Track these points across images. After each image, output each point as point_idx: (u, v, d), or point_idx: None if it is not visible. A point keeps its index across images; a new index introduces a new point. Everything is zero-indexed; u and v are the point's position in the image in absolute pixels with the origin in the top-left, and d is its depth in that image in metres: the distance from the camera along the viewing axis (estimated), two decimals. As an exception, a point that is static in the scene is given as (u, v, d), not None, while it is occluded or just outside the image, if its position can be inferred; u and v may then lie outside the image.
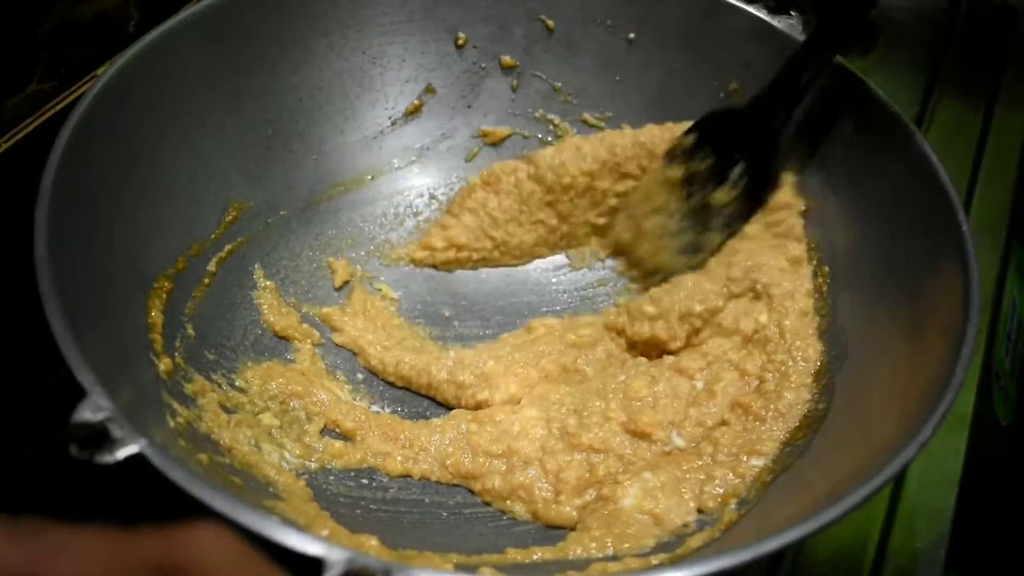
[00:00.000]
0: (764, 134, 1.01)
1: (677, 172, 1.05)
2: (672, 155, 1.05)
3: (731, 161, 1.02)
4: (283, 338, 1.03)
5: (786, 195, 1.03)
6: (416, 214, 1.18)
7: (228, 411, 0.91)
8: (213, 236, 1.02)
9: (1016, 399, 1.16)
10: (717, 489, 0.87)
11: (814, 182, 1.04)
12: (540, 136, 1.22)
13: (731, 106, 1.06)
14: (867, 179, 0.98)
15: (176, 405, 0.84)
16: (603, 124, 1.19)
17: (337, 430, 0.96)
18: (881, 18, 1.58)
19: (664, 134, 1.08)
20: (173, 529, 0.48)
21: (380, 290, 1.11)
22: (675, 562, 0.64)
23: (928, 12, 1.63)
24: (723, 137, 1.03)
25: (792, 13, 1.04)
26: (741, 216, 1.03)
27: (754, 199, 1.03)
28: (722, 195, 1.02)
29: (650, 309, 1.00)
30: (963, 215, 0.87)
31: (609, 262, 1.15)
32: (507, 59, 1.18)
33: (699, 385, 0.96)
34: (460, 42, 1.17)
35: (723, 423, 0.93)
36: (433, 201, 1.20)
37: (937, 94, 1.47)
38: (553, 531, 0.90)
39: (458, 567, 0.81)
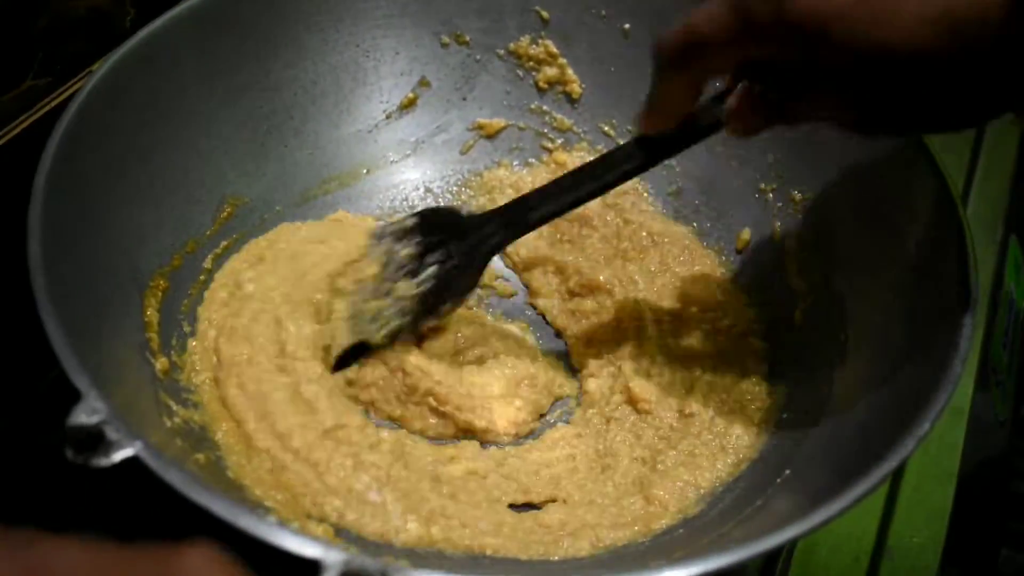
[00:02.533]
0: (472, 252, 0.99)
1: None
2: (382, 233, 1.00)
3: (429, 261, 0.98)
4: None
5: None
6: (412, 208, 1.18)
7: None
8: (208, 232, 1.02)
9: (1013, 394, 1.16)
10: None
11: (811, 175, 1.04)
12: (536, 128, 1.22)
13: (455, 209, 1.02)
14: (865, 174, 0.98)
15: (173, 404, 0.84)
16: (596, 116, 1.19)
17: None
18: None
19: None
20: (167, 548, 0.47)
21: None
22: (675, 561, 0.64)
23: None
24: (435, 234, 0.98)
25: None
26: (412, 316, 0.99)
27: (430, 306, 0.99)
28: (405, 288, 0.98)
29: None
30: (961, 210, 0.86)
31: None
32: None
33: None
34: (454, 34, 1.16)
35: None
36: (428, 194, 1.20)
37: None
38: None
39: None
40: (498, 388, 1.00)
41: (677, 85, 0.80)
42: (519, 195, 1.00)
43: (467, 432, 0.98)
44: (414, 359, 0.99)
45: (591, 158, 1.16)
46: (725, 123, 0.85)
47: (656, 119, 0.86)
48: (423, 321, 1.00)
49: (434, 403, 0.98)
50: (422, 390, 0.97)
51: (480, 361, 1.03)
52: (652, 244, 1.13)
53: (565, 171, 1.17)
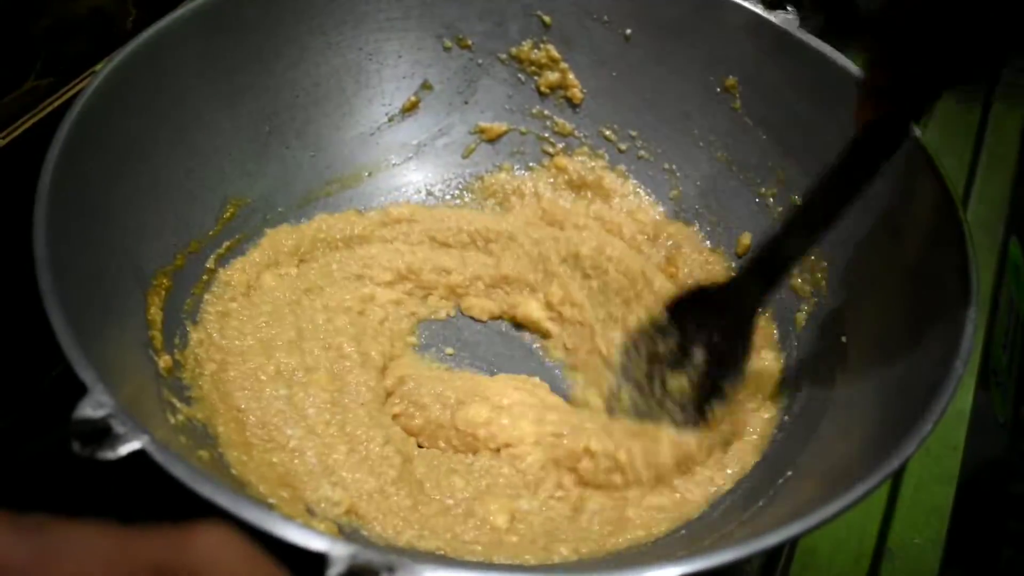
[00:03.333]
0: (740, 319, 0.96)
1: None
2: (636, 339, 1.00)
3: (694, 345, 0.96)
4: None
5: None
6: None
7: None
8: (211, 233, 1.02)
9: (1014, 396, 1.16)
10: None
11: (811, 179, 1.04)
12: (537, 132, 1.22)
13: (707, 285, 0.99)
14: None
15: (176, 402, 0.84)
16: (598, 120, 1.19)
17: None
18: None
19: None
20: (178, 529, 0.47)
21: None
22: (675, 559, 0.64)
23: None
24: (695, 317, 0.97)
25: (788, 8, 1.03)
26: (695, 408, 0.96)
27: (715, 388, 0.96)
28: (677, 382, 0.96)
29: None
30: (961, 211, 0.87)
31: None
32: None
33: None
34: (457, 38, 1.17)
35: None
36: (430, 197, 1.20)
37: (935, 91, 1.47)
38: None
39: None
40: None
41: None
42: (758, 248, 0.96)
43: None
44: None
45: (592, 163, 1.18)
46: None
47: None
48: (711, 407, 0.95)
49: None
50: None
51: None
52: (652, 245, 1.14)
53: (566, 175, 1.18)
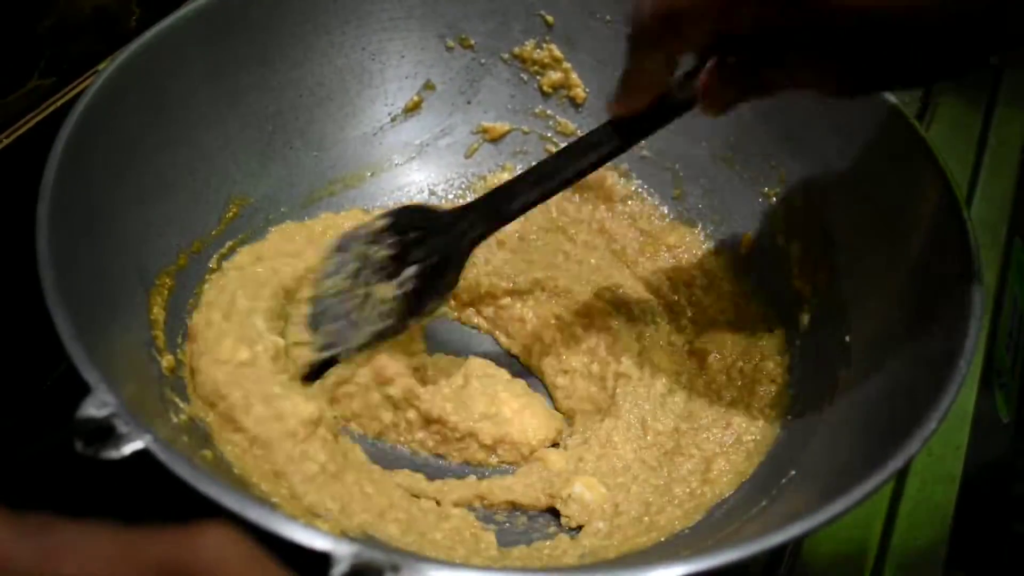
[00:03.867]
0: (453, 247, 0.97)
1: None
2: (351, 238, 0.99)
3: (408, 260, 0.96)
4: (285, 335, 1.03)
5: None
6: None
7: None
8: (214, 232, 1.02)
9: (1017, 396, 1.16)
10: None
11: (815, 179, 1.04)
12: (539, 132, 1.22)
13: (429, 206, 1.01)
14: (869, 176, 0.98)
15: (179, 401, 0.84)
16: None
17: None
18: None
19: None
20: (182, 529, 0.47)
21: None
22: (677, 559, 0.64)
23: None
24: (413, 232, 0.97)
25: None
26: (397, 317, 0.97)
27: (415, 306, 0.97)
28: (382, 291, 0.96)
29: None
30: (965, 212, 0.86)
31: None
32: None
33: None
34: (459, 38, 1.17)
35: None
36: (432, 196, 1.21)
37: (938, 91, 1.47)
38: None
39: None
40: (513, 403, 1.00)
41: (653, 61, 0.79)
42: (492, 191, 0.98)
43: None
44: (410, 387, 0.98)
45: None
46: (699, 100, 0.83)
47: (630, 99, 0.86)
48: (407, 324, 0.97)
49: (449, 433, 0.97)
50: (431, 417, 0.97)
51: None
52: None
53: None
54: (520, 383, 1.03)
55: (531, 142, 1.22)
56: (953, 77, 0.83)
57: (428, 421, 0.97)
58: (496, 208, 0.96)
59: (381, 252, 0.96)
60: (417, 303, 0.96)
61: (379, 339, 0.96)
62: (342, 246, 0.98)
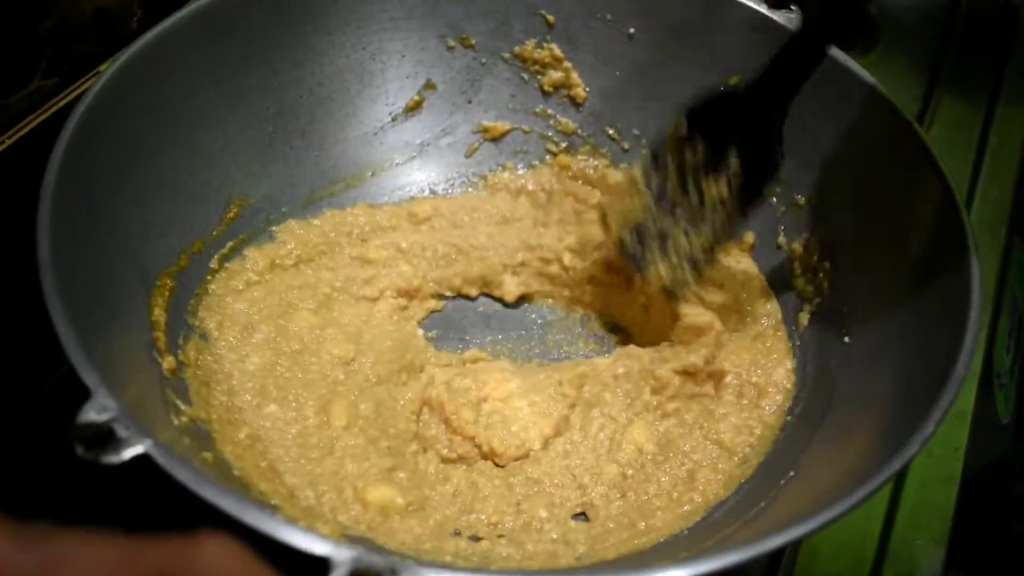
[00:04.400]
0: (762, 121, 0.96)
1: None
2: (658, 152, 0.99)
3: (725, 150, 0.97)
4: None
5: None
6: (416, 211, 1.18)
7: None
8: (215, 233, 1.02)
9: (1016, 397, 1.16)
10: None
11: (816, 178, 1.04)
12: (540, 131, 1.22)
13: (722, 91, 0.99)
14: (869, 176, 0.98)
15: (180, 403, 0.84)
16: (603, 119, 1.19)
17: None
18: (883, 16, 1.58)
19: None
20: (181, 539, 0.48)
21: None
22: (677, 561, 0.64)
23: (930, 10, 1.63)
24: (716, 125, 0.97)
25: (792, 7, 1.03)
26: (737, 214, 0.99)
27: (751, 193, 0.98)
28: (718, 188, 0.97)
29: None
30: (964, 213, 0.87)
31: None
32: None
33: None
34: (460, 38, 1.17)
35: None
36: (433, 195, 1.21)
37: (939, 92, 1.47)
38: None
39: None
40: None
41: None
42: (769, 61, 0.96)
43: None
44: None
45: (595, 161, 1.18)
46: None
47: None
48: (745, 218, 0.99)
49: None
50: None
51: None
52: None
53: (569, 174, 1.18)
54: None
55: (532, 141, 1.23)
56: None
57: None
58: (785, 74, 0.95)
59: (697, 153, 0.97)
60: (751, 194, 0.98)
61: (725, 239, 1.00)
62: (656, 164, 0.99)
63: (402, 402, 0.99)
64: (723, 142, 0.97)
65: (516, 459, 0.96)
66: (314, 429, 0.93)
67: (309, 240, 1.09)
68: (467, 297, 1.14)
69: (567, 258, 1.11)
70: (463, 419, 0.97)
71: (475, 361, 1.06)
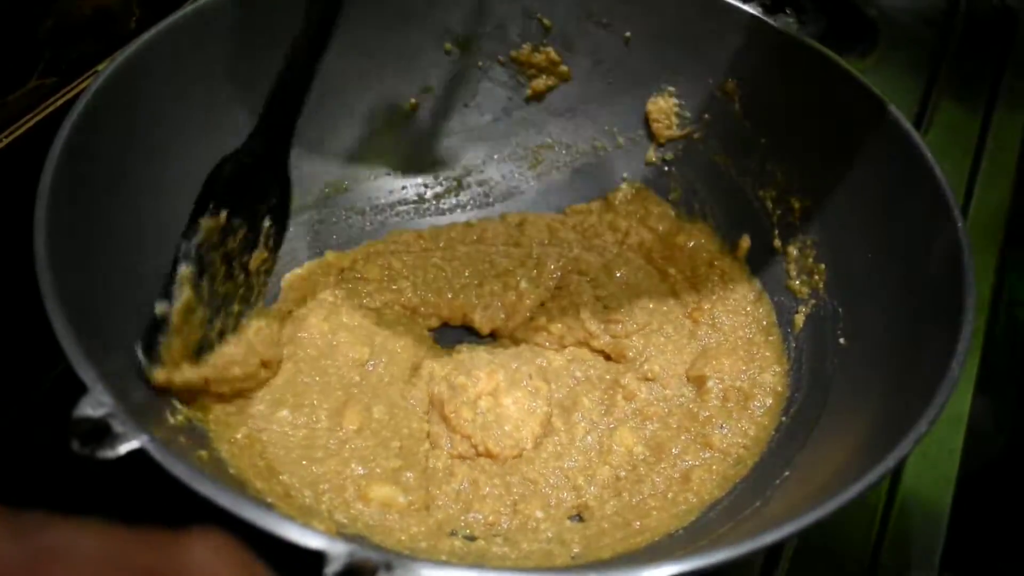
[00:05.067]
0: (281, 177, 1.00)
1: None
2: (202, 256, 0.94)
3: (259, 219, 0.98)
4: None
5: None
6: (412, 212, 1.20)
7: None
8: (211, 233, 1.02)
9: (1013, 400, 1.17)
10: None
11: (810, 183, 1.04)
12: (535, 135, 1.23)
13: (236, 161, 0.97)
14: (866, 179, 0.99)
15: (176, 402, 0.84)
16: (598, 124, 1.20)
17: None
18: (881, 19, 1.58)
19: None
20: (174, 536, 0.48)
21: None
22: (673, 557, 0.64)
23: (927, 14, 1.63)
24: (243, 194, 0.96)
25: (787, 11, 1.04)
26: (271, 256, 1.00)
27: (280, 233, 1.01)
28: (258, 257, 0.98)
29: None
30: (959, 216, 0.87)
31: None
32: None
33: None
34: (457, 41, 1.17)
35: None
36: (432, 201, 1.21)
37: (936, 96, 1.47)
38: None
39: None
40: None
41: None
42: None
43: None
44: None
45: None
46: None
47: None
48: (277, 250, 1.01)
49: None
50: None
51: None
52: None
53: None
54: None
55: (527, 145, 1.23)
56: None
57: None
58: (279, 122, 0.98)
59: (239, 236, 0.95)
60: (279, 231, 1.00)
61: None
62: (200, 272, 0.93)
63: (412, 401, 1.00)
64: (255, 207, 0.98)
65: (511, 458, 0.96)
66: (324, 432, 0.94)
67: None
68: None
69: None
70: (462, 418, 0.97)
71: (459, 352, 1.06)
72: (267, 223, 0.98)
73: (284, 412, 0.94)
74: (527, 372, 1.02)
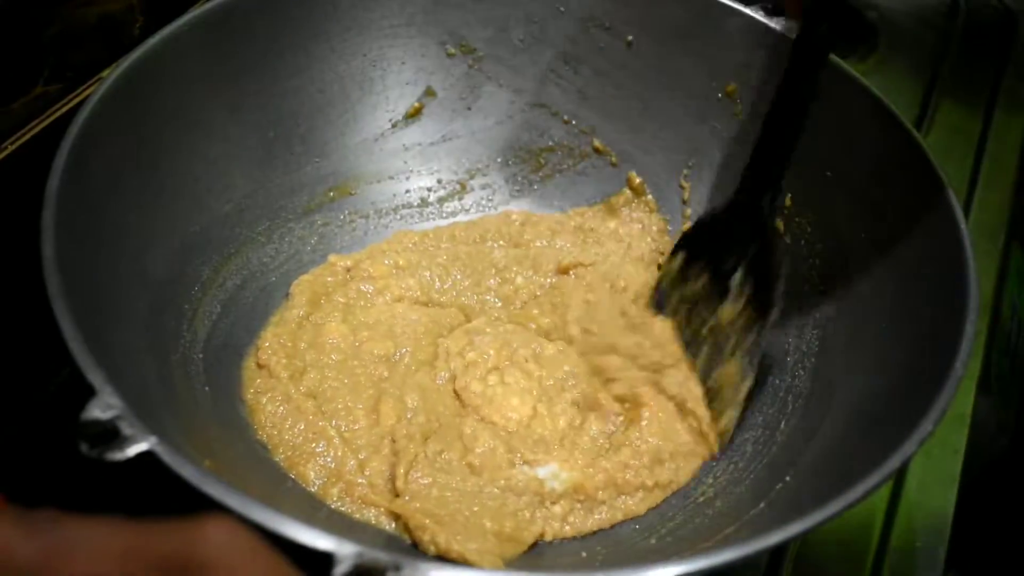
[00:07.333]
0: (756, 229, 0.97)
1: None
2: (660, 287, 0.98)
3: (728, 270, 0.97)
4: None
5: None
6: (417, 215, 1.20)
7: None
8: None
9: (1015, 400, 1.17)
10: None
11: (812, 184, 1.04)
12: (540, 139, 1.23)
13: (712, 211, 0.98)
14: (866, 181, 0.99)
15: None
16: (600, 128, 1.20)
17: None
18: (881, 21, 1.58)
19: None
20: (186, 523, 0.48)
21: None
22: (677, 558, 0.64)
23: (928, 15, 1.63)
24: (712, 245, 0.96)
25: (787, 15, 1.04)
26: (753, 328, 0.96)
27: (762, 305, 0.96)
28: (729, 310, 0.97)
29: None
30: (961, 216, 0.87)
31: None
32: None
33: None
34: (460, 45, 1.17)
35: None
36: (434, 204, 1.21)
37: (937, 97, 1.48)
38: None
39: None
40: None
41: None
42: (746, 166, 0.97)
43: None
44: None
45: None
46: None
47: None
48: (769, 321, 0.96)
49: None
50: None
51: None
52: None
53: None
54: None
55: (529, 148, 1.23)
56: None
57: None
58: (764, 173, 0.95)
59: (697, 285, 0.96)
60: (765, 300, 0.95)
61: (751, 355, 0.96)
62: (659, 303, 0.98)
63: (439, 382, 1.01)
64: (721, 263, 0.97)
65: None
66: (363, 432, 0.95)
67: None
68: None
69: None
70: (471, 392, 0.99)
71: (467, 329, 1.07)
72: (737, 277, 0.96)
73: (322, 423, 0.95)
74: (524, 355, 1.03)
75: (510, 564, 0.85)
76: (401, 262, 1.11)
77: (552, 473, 0.92)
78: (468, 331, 1.05)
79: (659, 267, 1.12)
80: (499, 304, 1.11)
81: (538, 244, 1.16)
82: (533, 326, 1.08)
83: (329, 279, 1.09)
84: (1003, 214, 1.31)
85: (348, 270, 1.10)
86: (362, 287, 1.08)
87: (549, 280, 1.12)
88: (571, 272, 1.12)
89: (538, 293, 1.11)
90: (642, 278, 1.11)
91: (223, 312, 1.01)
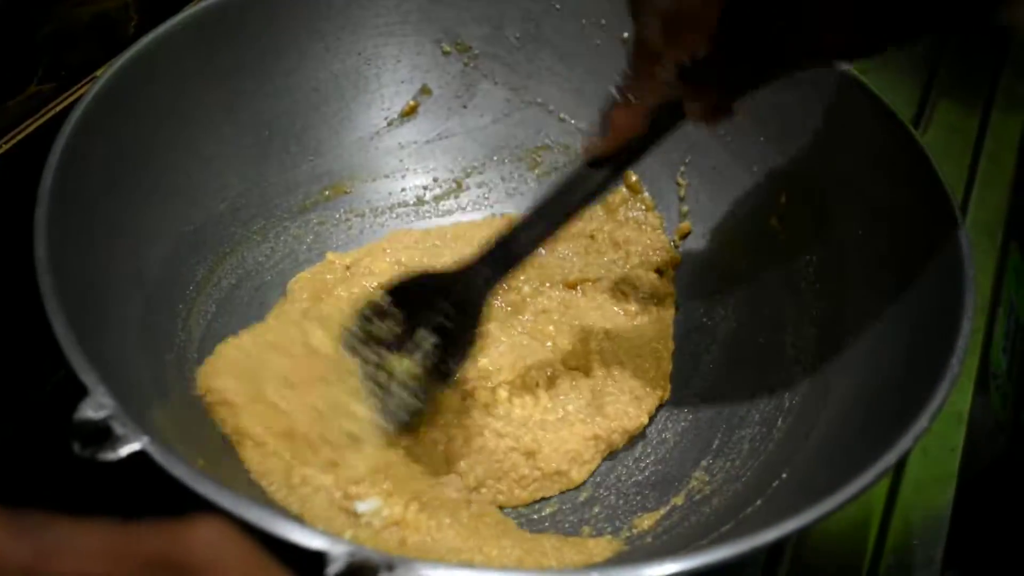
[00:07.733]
0: (464, 304, 0.94)
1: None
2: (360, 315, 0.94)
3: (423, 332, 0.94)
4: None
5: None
6: (413, 215, 1.20)
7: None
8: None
9: (1013, 398, 1.17)
10: None
11: (810, 183, 1.04)
12: (535, 138, 1.23)
13: (425, 272, 0.96)
14: (864, 179, 0.99)
15: (178, 406, 0.85)
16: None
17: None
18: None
19: None
20: (177, 524, 0.48)
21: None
22: (672, 556, 0.64)
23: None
24: (418, 302, 0.94)
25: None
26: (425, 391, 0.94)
27: (442, 375, 0.94)
28: (403, 364, 0.93)
29: None
30: (959, 215, 0.87)
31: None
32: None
33: None
34: (455, 43, 1.17)
35: None
36: (430, 203, 1.21)
37: (934, 96, 1.48)
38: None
39: None
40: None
41: (656, 71, 0.78)
42: (494, 240, 0.94)
43: None
44: None
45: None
46: (687, 106, 0.85)
47: (628, 120, 0.84)
48: (435, 391, 0.95)
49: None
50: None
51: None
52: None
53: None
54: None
55: (526, 146, 1.23)
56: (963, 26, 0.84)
57: None
58: (502, 255, 0.93)
59: (390, 329, 0.93)
60: (444, 371, 0.94)
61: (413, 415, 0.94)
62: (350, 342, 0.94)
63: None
64: (423, 319, 0.94)
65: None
66: None
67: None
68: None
69: None
70: (479, 398, 1.00)
71: None
72: (429, 339, 0.93)
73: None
74: (537, 379, 1.03)
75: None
76: (403, 259, 1.11)
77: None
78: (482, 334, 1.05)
79: (657, 269, 1.13)
80: (508, 310, 1.10)
81: (541, 252, 1.16)
82: (549, 344, 1.07)
83: (328, 276, 1.09)
84: (1000, 212, 1.31)
85: (348, 267, 1.10)
86: (364, 283, 1.07)
87: (558, 294, 1.12)
88: (578, 288, 1.12)
89: (549, 307, 1.11)
90: (643, 282, 1.12)
91: (218, 311, 1.01)
